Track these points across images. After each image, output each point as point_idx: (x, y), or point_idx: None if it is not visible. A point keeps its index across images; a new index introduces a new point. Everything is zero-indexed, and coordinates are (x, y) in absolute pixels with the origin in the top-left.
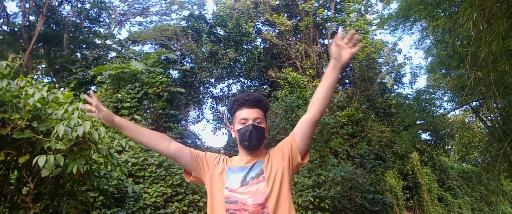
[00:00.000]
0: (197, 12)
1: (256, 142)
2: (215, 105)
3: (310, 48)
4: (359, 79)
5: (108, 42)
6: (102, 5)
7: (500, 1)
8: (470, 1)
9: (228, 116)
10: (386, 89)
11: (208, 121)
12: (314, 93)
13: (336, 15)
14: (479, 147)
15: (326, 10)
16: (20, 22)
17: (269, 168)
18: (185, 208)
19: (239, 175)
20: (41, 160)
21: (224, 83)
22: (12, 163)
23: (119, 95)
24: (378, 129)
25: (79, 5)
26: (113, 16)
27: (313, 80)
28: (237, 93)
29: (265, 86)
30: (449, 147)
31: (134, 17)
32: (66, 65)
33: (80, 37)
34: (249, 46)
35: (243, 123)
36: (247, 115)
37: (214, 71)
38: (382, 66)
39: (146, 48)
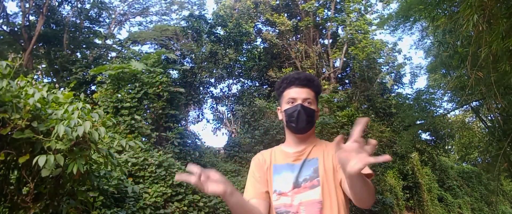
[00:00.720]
0: (197, 12)
1: (305, 124)
2: (215, 105)
3: (310, 48)
4: (359, 79)
5: (108, 42)
6: (102, 5)
7: (500, 1)
8: (470, 1)
9: (276, 97)
10: (386, 89)
11: (208, 121)
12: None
13: (336, 15)
14: (479, 147)
15: (326, 10)
16: (20, 22)
17: (324, 168)
18: (185, 208)
19: (288, 174)
20: (41, 160)
21: (224, 83)
22: (12, 163)
23: (119, 95)
24: (378, 129)
25: (79, 5)
26: (113, 16)
27: None
28: (237, 93)
29: (265, 86)
30: (449, 147)
31: (134, 17)
32: (66, 65)
33: (80, 37)
34: (249, 46)
35: (291, 102)
36: (296, 94)
37: (214, 71)
38: (382, 66)
39: (146, 48)
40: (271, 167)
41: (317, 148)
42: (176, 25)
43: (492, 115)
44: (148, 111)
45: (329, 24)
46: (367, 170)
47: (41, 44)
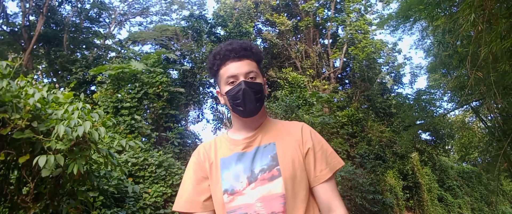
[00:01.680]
0: (197, 12)
1: (254, 104)
2: (215, 106)
3: (310, 48)
4: (359, 79)
5: (108, 42)
6: (102, 5)
7: (500, 1)
8: (469, 1)
9: (213, 82)
10: (386, 89)
11: (208, 121)
12: None
13: (336, 15)
14: (479, 147)
15: (326, 10)
16: (20, 22)
17: (286, 153)
18: None
19: (239, 167)
20: (41, 160)
21: None
22: (12, 163)
23: (119, 95)
24: (378, 129)
25: (79, 5)
26: (113, 16)
27: (313, 80)
28: None
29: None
30: (449, 147)
31: (134, 17)
32: (66, 65)
33: (80, 37)
34: None
35: (232, 82)
36: (235, 69)
37: None
38: (382, 66)
39: (146, 48)
40: (217, 161)
41: (272, 129)
42: (176, 25)
43: (492, 115)
44: (148, 111)
45: (329, 24)
46: (326, 174)
47: (41, 44)
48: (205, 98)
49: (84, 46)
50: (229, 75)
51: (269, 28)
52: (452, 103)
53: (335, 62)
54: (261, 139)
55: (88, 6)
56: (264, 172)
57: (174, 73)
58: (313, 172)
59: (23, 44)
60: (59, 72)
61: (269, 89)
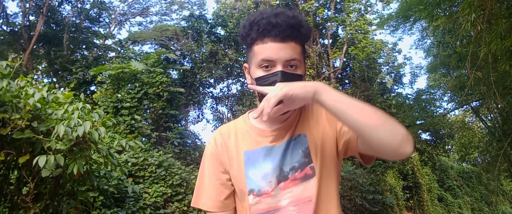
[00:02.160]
0: (197, 12)
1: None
2: (215, 106)
3: (310, 48)
4: (359, 79)
5: (108, 42)
6: (102, 5)
7: (500, 1)
8: (469, 1)
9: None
10: (386, 89)
11: (208, 121)
12: None
13: (336, 15)
14: (479, 147)
15: (326, 10)
16: (20, 22)
17: (318, 146)
18: (185, 208)
19: (267, 164)
20: (41, 160)
21: (223, 83)
22: (12, 163)
23: (119, 95)
24: None
25: (79, 5)
26: (113, 16)
27: (313, 80)
28: (237, 93)
29: None
30: (449, 147)
31: (134, 17)
32: (66, 65)
33: (80, 37)
34: None
35: (266, 67)
36: (275, 53)
37: (214, 71)
38: (382, 66)
39: (146, 48)
40: (240, 155)
41: (304, 116)
42: (176, 25)
43: (492, 115)
44: (148, 111)
45: (329, 24)
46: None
47: (41, 44)
48: (205, 98)
49: (84, 46)
50: (265, 59)
51: None
52: (452, 103)
53: (335, 62)
54: (294, 129)
55: (88, 6)
56: (295, 171)
57: (174, 73)
58: (351, 137)
59: (23, 44)
60: (59, 72)
61: None
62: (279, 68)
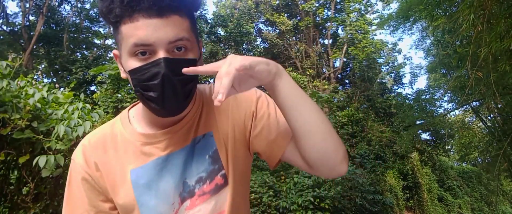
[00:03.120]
0: (197, 12)
1: (180, 100)
2: None
3: (310, 48)
4: (359, 79)
5: (108, 42)
6: None
7: (500, 1)
8: (469, 1)
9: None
10: (386, 89)
11: None
12: None
13: (336, 15)
14: (479, 147)
15: (326, 10)
16: (20, 22)
17: (226, 146)
18: None
19: (165, 184)
20: (41, 160)
21: None
22: (12, 163)
23: (119, 95)
24: (378, 129)
25: (79, 5)
26: None
27: (313, 80)
28: None
29: None
30: (449, 147)
31: None
32: (66, 65)
33: (80, 37)
34: (249, 46)
35: (144, 55)
36: (151, 33)
37: None
38: (382, 66)
39: None
40: (125, 176)
41: (207, 110)
42: None
43: (492, 115)
44: None
45: (329, 24)
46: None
47: (41, 44)
48: None
49: (84, 46)
50: (139, 43)
51: (270, 28)
52: (452, 103)
53: (335, 62)
54: (194, 130)
55: (88, 6)
56: (203, 183)
57: None
58: (269, 141)
59: (23, 44)
60: (59, 72)
61: None
62: (161, 54)
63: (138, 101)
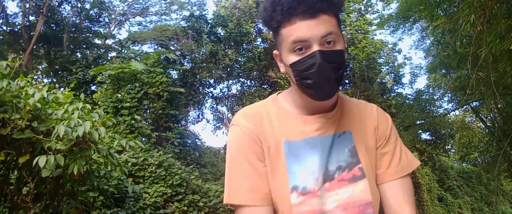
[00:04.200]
0: (197, 12)
1: (333, 84)
2: (215, 106)
3: None
4: (359, 79)
5: (108, 42)
6: (102, 5)
7: (500, 2)
8: (469, 1)
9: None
10: (386, 89)
11: (208, 121)
12: None
13: None
14: (479, 147)
15: None
16: (20, 22)
17: (364, 147)
18: (185, 208)
19: (313, 159)
20: (41, 160)
21: (223, 83)
22: (12, 163)
23: (119, 95)
24: None
25: (79, 5)
26: (113, 16)
27: None
28: (237, 93)
29: (265, 86)
30: (449, 147)
31: (134, 17)
32: (66, 65)
33: (80, 37)
34: (249, 46)
35: (301, 51)
36: (307, 32)
37: (214, 71)
38: (382, 66)
39: (146, 48)
40: (280, 145)
41: (346, 112)
42: (176, 25)
43: (492, 115)
44: (148, 111)
45: None
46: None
47: (41, 44)
48: (205, 98)
49: (84, 46)
50: (297, 40)
51: None
52: (452, 103)
53: None
54: (336, 124)
55: (88, 6)
56: (342, 171)
57: (174, 73)
58: (387, 165)
59: (23, 44)
60: (59, 72)
61: (270, 90)
62: (315, 48)
63: (280, 91)
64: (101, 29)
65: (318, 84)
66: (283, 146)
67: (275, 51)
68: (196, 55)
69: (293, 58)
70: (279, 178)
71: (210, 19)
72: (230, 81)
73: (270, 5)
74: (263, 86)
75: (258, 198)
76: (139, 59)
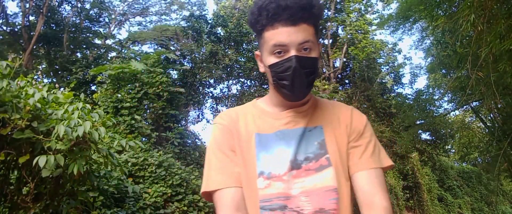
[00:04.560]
0: (197, 12)
1: (305, 87)
2: (215, 106)
3: None
4: (359, 79)
5: (108, 42)
6: (102, 5)
7: (500, 1)
8: (469, 1)
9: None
10: (386, 89)
11: (208, 121)
12: None
13: (336, 15)
14: (479, 147)
15: (326, 10)
16: (20, 22)
17: (334, 141)
18: (185, 208)
19: (281, 149)
20: (41, 160)
21: (223, 83)
22: (12, 163)
23: (119, 95)
24: (378, 129)
25: (79, 5)
26: (113, 16)
27: None
28: (237, 93)
29: (265, 87)
30: (449, 147)
31: (134, 17)
32: (66, 65)
33: (80, 37)
34: (249, 46)
35: (279, 53)
36: (287, 37)
37: (214, 71)
38: (382, 66)
39: (146, 48)
40: (251, 137)
41: (319, 110)
42: (176, 25)
43: (492, 115)
44: (148, 111)
45: (329, 24)
46: (384, 161)
47: (41, 44)
48: (205, 99)
49: (84, 46)
50: (277, 44)
51: None
52: (452, 103)
53: (335, 62)
54: (308, 119)
55: (88, 6)
56: (309, 161)
57: (174, 73)
58: (359, 156)
59: (23, 44)
60: (59, 72)
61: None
62: (293, 53)
63: (260, 97)
64: (101, 29)
65: (292, 86)
66: (254, 137)
67: (256, 52)
68: (196, 55)
69: (272, 60)
70: (249, 165)
71: (210, 19)
72: (230, 81)
73: (257, 10)
74: (263, 86)
75: (231, 181)
76: (139, 59)
